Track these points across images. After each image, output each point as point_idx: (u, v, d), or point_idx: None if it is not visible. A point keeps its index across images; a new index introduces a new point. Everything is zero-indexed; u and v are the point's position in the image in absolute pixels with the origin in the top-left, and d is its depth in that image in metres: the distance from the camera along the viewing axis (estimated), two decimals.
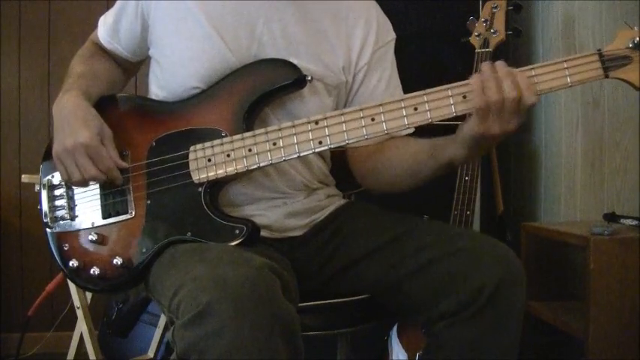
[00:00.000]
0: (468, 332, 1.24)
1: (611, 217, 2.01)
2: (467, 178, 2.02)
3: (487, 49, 2.07)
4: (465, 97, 1.21)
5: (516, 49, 2.63)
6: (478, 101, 1.17)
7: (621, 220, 1.98)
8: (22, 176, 2.22)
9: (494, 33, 2.07)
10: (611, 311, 1.80)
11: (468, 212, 2.01)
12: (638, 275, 1.79)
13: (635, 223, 1.93)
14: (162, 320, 2.37)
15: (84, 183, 1.34)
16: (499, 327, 1.23)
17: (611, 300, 1.80)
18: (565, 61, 1.19)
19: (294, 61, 1.36)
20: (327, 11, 1.44)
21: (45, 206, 1.41)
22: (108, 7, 1.52)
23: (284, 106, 1.38)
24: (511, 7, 2.11)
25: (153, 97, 1.46)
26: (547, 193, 2.56)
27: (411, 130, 1.37)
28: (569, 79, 1.19)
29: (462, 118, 1.24)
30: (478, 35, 2.08)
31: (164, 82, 1.42)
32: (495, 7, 2.09)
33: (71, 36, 2.90)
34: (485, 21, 2.09)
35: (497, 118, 1.17)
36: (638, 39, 1.17)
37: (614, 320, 1.80)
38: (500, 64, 1.19)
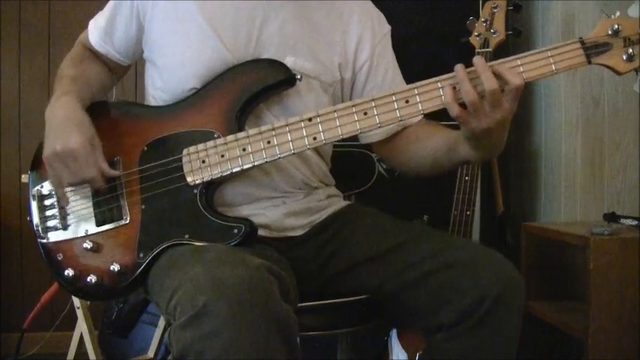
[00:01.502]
0: (466, 344, 1.24)
1: (611, 217, 2.01)
2: (467, 178, 2.02)
3: (487, 49, 2.06)
4: (454, 87, 1.23)
5: (516, 49, 2.62)
6: (453, 110, 1.20)
7: (621, 220, 1.98)
8: (22, 176, 2.22)
9: (494, 33, 2.07)
10: (611, 311, 1.80)
11: (468, 212, 2.01)
12: (638, 275, 1.79)
13: (635, 223, 1.92)
14: (163, 320, 2.36)
15: (71, 186, 1.33)
16: (497, 339, 1.24)
17: (611, 300, 1.80)
18: (549, 49, 1.23)
19: (292, 59, 1.37)
20: (322, 10, 1.45)
21: (35, 217, 1.40)
22: None
23: (282, 103, 1.39)
24: (511, 7, 2.11)
25: (150, 99, 1.46)
26: (547, 193, 2.56)
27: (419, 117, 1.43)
28: (554, 67, 1.22)
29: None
30: (478, 35, 2.08)
31: (162, 84, 1.42)
32: (495, 7, 2.09)
33: (71, 36, 2.84)
34: (485, 21, 2.09)
35: (480, 115, 1.18)
36: (617, 26, 1.21)
37: (614, 320, 1.80)
38: (477, 60, 1.20)
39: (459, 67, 1.20)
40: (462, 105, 1.21)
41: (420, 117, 1.45)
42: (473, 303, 1.22)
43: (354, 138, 1.48)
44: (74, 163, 1.29)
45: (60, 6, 2.99)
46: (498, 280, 1.23)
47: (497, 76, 1.18)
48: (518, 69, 1.21)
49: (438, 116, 1.35)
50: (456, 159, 1.33)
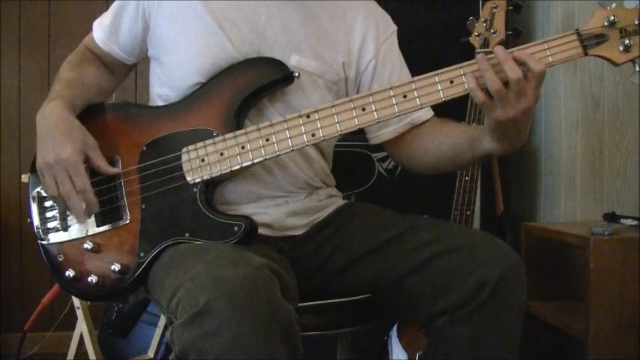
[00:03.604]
0: (468, 328, 1.24)
1: (611, 217, 2.01)
2: (467, 178, 2.02)
3: (487, 49, 2.06)
4: (452, 82, 1.24)
5: None
6: (478, 97, 1.19)
7: (621, 220, 1.97)
8: (22, 176, 2.21)
9: (494, 33, 2.07)
10: (611, 311, 1.79)
11: (468, 212, 2.01)
12: (638, 275, 1.79)
13: (635, 223, 1.92)
14: (163, 320, 2.36)
15: (59, 199, 1.31)
16: (500, 322, 1.24)
17: (611, 300, 1.79)
18: (545, 41, 1.22)
19: (296, 58, 1.39)
20: (326, 9, 1.46)
21: (36, 219, 1.40)
22: (108, 8, 1.52)
23: (286, 101, 1.39)
24: (511, 7, 2.11)
25: (155, 97, 1.47)
26: (547, 193, 2.56)
27: (432, 114, 1.46)
28: (550, 59, 1.21)
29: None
30: (478, 35, 2.08)
31: (168, 81, 1.43)
32: (495, 7, 2.08)
33: (71, 36, 2.88)
34: (485, 21, 2.09)
35: (505, 104, 1.18)
36: (612, 17, 1.21)
37: (614, 320, 1.80)
38: (498, 50, 1.19)
39: (481, 57, 1.20)
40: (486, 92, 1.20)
41: (429, 113, 1.47)
42: (474, 287, 1.22)
43: (355, 137, 1.49)
44: (63, 173, 1.28)
45: (60, 6, 3.00)
46: (499, 264, 1.23)
47: (519, 63, 1.17)
48: (540, 55, 1.20)
49: (448, 113, 1.35)
50: (479, 152, 1.32)
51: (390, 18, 1.55)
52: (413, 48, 2.32)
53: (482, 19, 2.09)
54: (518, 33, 2.12)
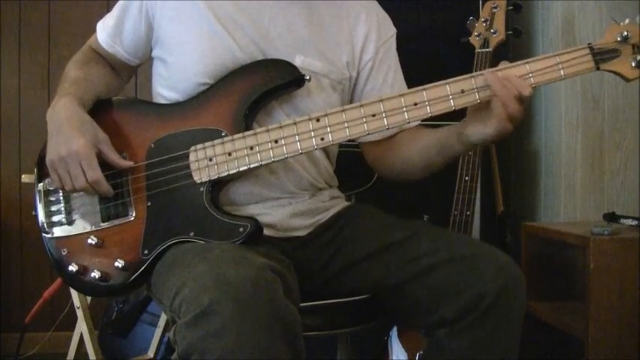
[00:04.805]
0: (467, 340, 1.25)
1: (611, 217, 2.01)
2: (467, 178, 2.02)
3: (487, 49, 2.06)
4: (462, 91, 1.24)
5: (516, 49, 2.63)
6: (506, 125, 1.23)
7: (621, 220, 1.98)
8: (22, 176, 2.22)
9: (494, 33, 2.07)
10: (611, 311, 1.80)
11: (468, 212, 2.01)
12: (638, 275, 1.79)
13: (635, 223, 1.93)
14: (163, 320, 2.37)
15: (75, 192, 1.33)
16: (498, 335, 1.24)
17: (611, 300, 1.80)
18: (558, 55, 1.24)
19: (301, 58, 1.39)
20: (329, 9, 1.47)
21: (41, 212, 1.39)
22: (108, 8, 1.52)
23: (292, 102, 1.39)
24: (511, 7, 2.11)
25: (158, 98, 1.46)
26: (547, 193, 2.56)
27: (417, 122, 1.44)
28: (562, 72, 1.23)
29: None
30: (478, 35, 2.08)
31: (172, 82, 1.42)
32: (495, 7, 2.09)
33: (71, 36, 2.90)
34: (485, 21, 2.09)
35: (514, 121, 1.24)
36: (626, 32, 1.23)
37: (614, 320, 1.80)
38: (492, 76, 1.23)
39: (497, 84, 1.22)
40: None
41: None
42: (474, 299, 1.22)
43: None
44: (76, 167, 1.29)
45: (60, 6, 3.00)
46: (499, 276, 1.23)
47: (512, 83, 1.21)
48: (528, 78, 1.23)
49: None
50: (450, 156, 1.35)
51: (390, 21, 1.55)
52: (413, 48, 2.33)
53: (482, 19, 2.10)
54: (518, 33, 2.13)
